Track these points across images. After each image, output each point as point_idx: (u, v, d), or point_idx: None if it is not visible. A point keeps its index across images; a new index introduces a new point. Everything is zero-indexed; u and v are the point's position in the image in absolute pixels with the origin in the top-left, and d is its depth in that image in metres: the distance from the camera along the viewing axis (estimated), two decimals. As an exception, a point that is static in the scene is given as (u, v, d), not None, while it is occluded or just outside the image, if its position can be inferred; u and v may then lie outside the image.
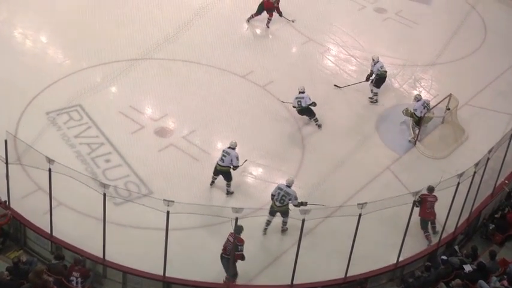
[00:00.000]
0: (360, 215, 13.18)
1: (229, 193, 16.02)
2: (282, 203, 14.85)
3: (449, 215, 14.99)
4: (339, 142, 17.96)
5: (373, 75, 19.31)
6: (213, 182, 16.13)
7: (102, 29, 21.01)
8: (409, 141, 18.21)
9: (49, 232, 14.30)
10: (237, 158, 15.67)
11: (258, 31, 22.00)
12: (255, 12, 21.98)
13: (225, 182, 15.99)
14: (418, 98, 18.36)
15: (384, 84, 19.68)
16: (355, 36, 22.34)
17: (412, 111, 18.21)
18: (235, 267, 13.80)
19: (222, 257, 13.81)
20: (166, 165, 16.56)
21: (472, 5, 24.94)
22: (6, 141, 13.70)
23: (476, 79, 20.99)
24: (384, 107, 19.35)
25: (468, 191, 14.99)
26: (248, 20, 22.15)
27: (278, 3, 21.95)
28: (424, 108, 18.09)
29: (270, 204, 14.97)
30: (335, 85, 19.89)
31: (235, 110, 18.53)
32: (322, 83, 20.08)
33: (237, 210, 12.77)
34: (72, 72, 19.09)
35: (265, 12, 21.99)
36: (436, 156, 17.75)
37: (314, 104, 18.08)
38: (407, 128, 18.56)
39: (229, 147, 15.79)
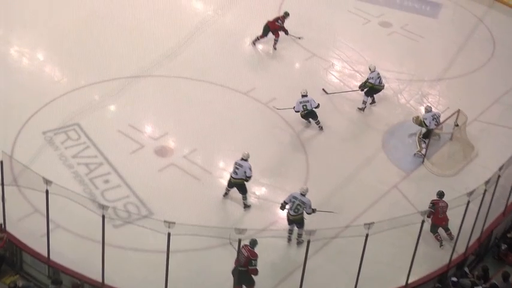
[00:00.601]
0: (367, 235, 13.11)
1: (246, 206, 16.13)
2: (296, 212, 15.05)
3: (459, 235, 14.92)
4: (344, 160, 17.92)
5: (370, 84, 19.56)
6: (226, 193, 16.29)
7: (100, 46, 21.07)
8: (415, 154, 18.23)
9: (46, 256, 14.24)
10: (250, 169, 15.78)
11: (261, 47, 22.02)
12: (260, 34, 21.81)
13: (228, 202, 16.05)
14: (428, 109, 18.50)
15: (390, 100, 19.76)
16: (359, 51, 22.37)
17: (422, 119, 18.31)
18: (252, 278, 13.86)
19: (235, 269, 13.70)
20: (166, 185, 16.54)
21: (479, 18, 25.00)
22: (1, 162, 13.67)
23: (485, 94, 20.98)
24: (390, 123, 19.32)
25: (479, 210, 14.91)
26: (254, 43, 21.94)
27: (283, 23, 21.82)
28: (433, 120, 18.16)
29: (272, 227, 15.11)
30: (323, 89, 20.12)
31: (238, 128, 18.53)
32: (327, 99, 20.08)
33: (240, 231, 12.73)
34: (69, 91, 19.12)
35: (270, 33, 21.83)
36: (444, 173, 17.70)
37: (318, 105, 18.45)
38: (415, 141, 18.56)
39: (241, 159, 15.90)
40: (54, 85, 19.41)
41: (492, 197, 15.18)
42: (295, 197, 15.09)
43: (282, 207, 15.29)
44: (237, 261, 13.59)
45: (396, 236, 14.65)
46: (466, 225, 14.79)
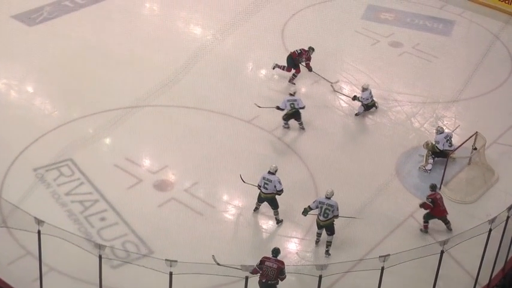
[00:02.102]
0: (382, 269, 13.08)
1: (279, 222, 16.62)
2: (326, 217, 15.68)
3: (481, 265, 14.84)
4: (356, 188, 17.89)
5: (361, 103, 20.37)
6: (256, 208, 16.84)
7: (93, 76, 21.27)
8: (419, 168, 18.44)
9: (39, 301, 14.22)
10: (280, 183, 16.31)
11: (263, 72, 22.14)
12: (286, 66, 21.58)
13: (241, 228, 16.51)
14: (440, 131, 18.65)
15: (403, 124, 20.22)
16: (369, 73, 22.49)
17: (434, 143, 18.51)
18: None
19: (264, 284, 13.94)
20: (167, 221, 16.53)
21: (495, 35, 25.14)
22: (-10, 202, 13.76)
23: (504, 114, 21.01)
24: (404, 148, 19.34)
25: (502, 238, 14.87)
26: (274, 66, 21.73)
27: (309, 59, 21.56)
28: (446, 142, 18.34)
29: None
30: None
31: (242, 158, 18.55)
32: (336, 125, 20.16)
33: (247, 268, 12.74)
34: (61, 124, 19.24)
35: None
36: (464, 200, 17.67)
37: (304, 106, 19.57)
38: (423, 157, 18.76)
39: (269, 173, 16.38)
40: (45, 118, 19.53)
41: (516, 224, 15.15)
42: (321, 202, 15.73)
43: (305, 213, 15.92)
44: (266, 276, 13.82)
45: (414, 268, 14.62)
46: (488, 254, 14.74)
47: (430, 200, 16.28)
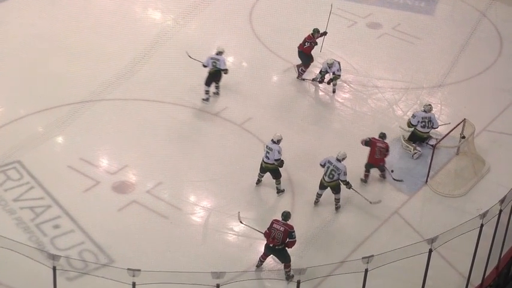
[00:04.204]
0: (366, 271, 13.14)
1: (280, 191, 17.48)
2: (331, 178, 16.62)
3: (473, 264, 14.96)
4: (335, 184, 18.00)
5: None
6: (259, 180, 17.67)
7: (41, 67, 21.17)
8: (412, 156, 18.88)
9: (-13, 321, 14.15)
10: (279, 152, 17.01)
11: (230, 59, 22.09)
12: (303, 64, 21.43)
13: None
14: (425, 109, 19.00)
15: (385, 112, 20.44)
16: (346, 58, 22.56)
17: (409, 120, 19.16)
18: (288, 254, 15.00)
19: (271, 249, 14.93)
20: (129, 226, 16.49)
21: (482, 12, 25.36)
22: None
23: (494, 99, 21.27)
24: (387, 139, 19.37)
25: (494, 234, 15.00)
26: (301, 77, 21.50)
27: (314, 43, 21.40)
28: (421, 122, 18.84)
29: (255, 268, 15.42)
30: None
31: (209, 154, 18.59)
32: (311, 117, 20.22)
33: (218, 275, 12.72)
34: (6, 122, 19.12)
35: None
36: (452, 194, 17.82)
37: (227, 71, 20.10)
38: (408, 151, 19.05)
39: (272, 141, 17.06)
40: (-12, 117, 19.41)
41: (509, 218, 15.27)
42: (330, 162, 16.59)
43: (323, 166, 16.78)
44: (273, 240, 14.73)
45: (400, 269, 14.70)
46: (480, 252, 14.85)
47: (368, 139, 17.64)
